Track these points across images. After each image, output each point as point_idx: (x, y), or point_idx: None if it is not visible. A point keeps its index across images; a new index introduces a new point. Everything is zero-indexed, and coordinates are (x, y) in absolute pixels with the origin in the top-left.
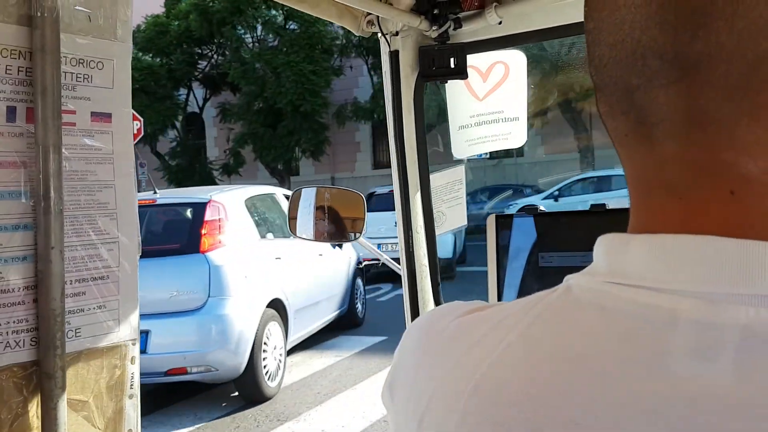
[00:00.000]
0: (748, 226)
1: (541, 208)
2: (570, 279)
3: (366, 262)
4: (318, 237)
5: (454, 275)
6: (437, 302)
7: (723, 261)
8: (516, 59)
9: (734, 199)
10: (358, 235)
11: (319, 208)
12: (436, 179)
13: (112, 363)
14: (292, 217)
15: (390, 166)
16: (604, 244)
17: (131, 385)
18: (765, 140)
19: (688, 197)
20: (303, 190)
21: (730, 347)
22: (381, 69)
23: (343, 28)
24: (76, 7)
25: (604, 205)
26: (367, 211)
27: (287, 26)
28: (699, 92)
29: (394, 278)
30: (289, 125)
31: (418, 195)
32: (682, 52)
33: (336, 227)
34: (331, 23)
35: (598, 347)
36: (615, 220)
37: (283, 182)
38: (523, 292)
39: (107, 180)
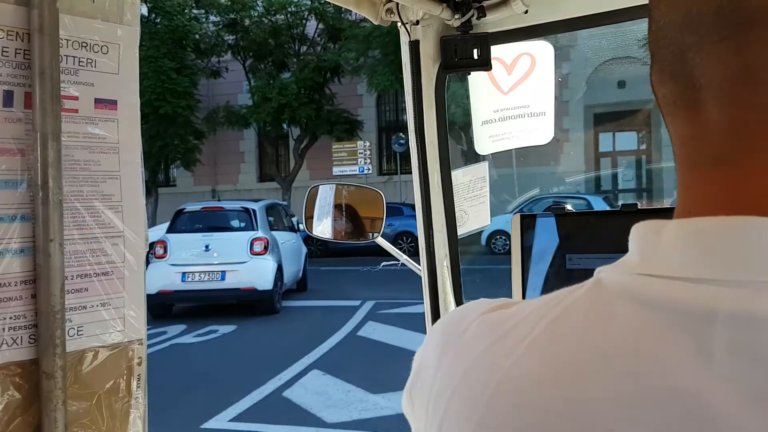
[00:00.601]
0: None
1: (569, 207)
2: (601, 271)
3: (384, 264)
4: (336, 236)
5: (277, 310)
6: (459, 304)
7: (763, 245)
8: (543, 51)
9: None
10: (376, 234)
11: (336, 206)
12: (458, 176)
13: (117, 363)
14: (309, 217)
15: (274, 180)
16: (637, 233)
17: (137, 386)
18: None
19: (737, 166)
20: (320, 187)
21: None
22: (259, 72)
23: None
24: None
25: (635, 204)
26: (174, 232)
27: (151, 18)
28: (751, 50)
29: (189, 317)
30: (150, 129)
31: (440, 193)
32: (738, 6)
33: (354, 226)
34: (203, 18)
35: (629, 344)
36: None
37: (149, 194)
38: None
39: (112, 170)
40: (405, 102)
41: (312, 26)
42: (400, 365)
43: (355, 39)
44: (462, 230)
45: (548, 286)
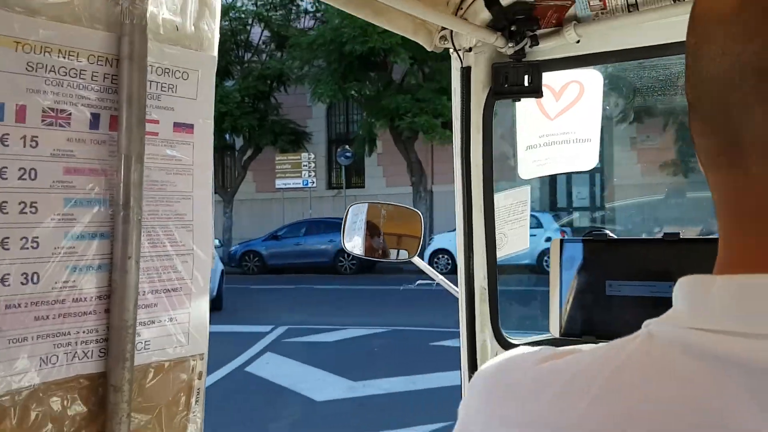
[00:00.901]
0: None
1: (610, 234)
2: (650, 325)
3: (419, 283)
4: (368, 253)
5: None
6: (495, 328)
7: None
8: (592, 79)
9: None
10: (411, 254)
11: (370, 224)
12: (500, 200)
13: (179, 377)
14: (344, 232)
15: (218, 192)
16: (685, 288)
17: (196, 401)
18: None
19: None
20: (353, 206)
21: None
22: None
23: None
24: (164, 16)
25: (677, 234)
26: None
27: None
28: None
29: None
30: None
31: (481, 216)
32: None
33: (388, 245)
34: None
35: (690, 398)
36: (689, 250)
37: None
38: (588, 321)
39: (186, 191)
40: (353, 114)
41: (257, 33)
42: (272, 414)
43: (299, 47)
44: (501, 253)
45: (589, 312)
